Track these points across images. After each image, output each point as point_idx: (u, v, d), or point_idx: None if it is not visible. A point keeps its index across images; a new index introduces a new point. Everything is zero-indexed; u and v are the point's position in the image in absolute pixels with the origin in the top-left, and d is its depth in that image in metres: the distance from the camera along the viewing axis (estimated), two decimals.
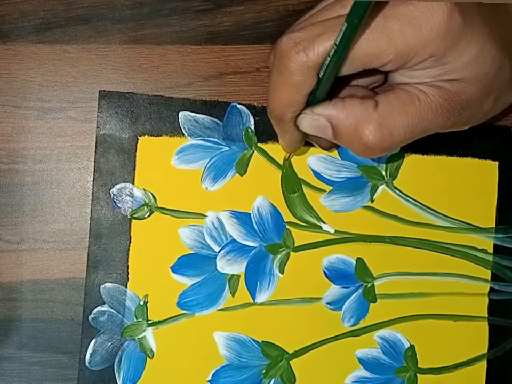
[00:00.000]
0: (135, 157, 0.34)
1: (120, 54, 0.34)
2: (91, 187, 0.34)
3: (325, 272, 0.35)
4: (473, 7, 0.26)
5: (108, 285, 0.33)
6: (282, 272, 0.34)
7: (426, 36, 0.25)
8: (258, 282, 0.34)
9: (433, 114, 0.27)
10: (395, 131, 0.27)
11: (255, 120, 0.34)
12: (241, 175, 0.34)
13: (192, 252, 0.34)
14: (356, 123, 0.27)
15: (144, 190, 0.34)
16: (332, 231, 0.35)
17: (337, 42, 0.24)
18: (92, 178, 0.34)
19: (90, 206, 0.34)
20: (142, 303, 0.33)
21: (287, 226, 0.34)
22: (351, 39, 0.24)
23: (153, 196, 0.34)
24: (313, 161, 0.35)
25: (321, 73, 0.26)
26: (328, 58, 0.25)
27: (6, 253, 0.33)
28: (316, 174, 0.35)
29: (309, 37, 0.26)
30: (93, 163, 0.34)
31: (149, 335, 0.34)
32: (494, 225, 0.36)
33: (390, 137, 0.27)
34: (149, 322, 0.34)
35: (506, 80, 0.28)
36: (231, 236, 0.34)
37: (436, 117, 0.27)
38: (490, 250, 0.35)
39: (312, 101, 0.28)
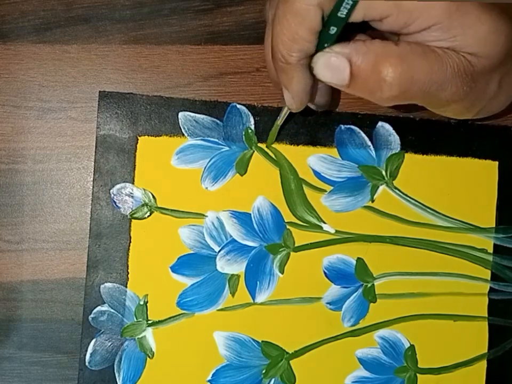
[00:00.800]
0: (135, 157, 0.34)
1: (120, 54, 0.34)
2: (91, 187, 0.34)
3: (325, 272, 0.35)
4: None
5: (108, 284, 0.33)
6: (282, 272, 0.34)
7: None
8: (258, 282, 0.34)
9: (451, 73, 0.26)
10: (415, 72, 0.26)
11: (255, 120, 0.34)
12: (241, 175, 0.34)
13: (192, 252, 0.34)
14: (376, 58, 0.26)
15: (144, 190, 0.34)
16: (332, 231, 0.35)
17: None
18: (91, 178, 0.34)
19: (90, 206, 0.34)
20: (142, 303, 0.34)
21: (288, 226, 0.34)
22: None
23: (153, 196, 0.34)
24: (313, 161, 0.35)
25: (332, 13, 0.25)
26: None
27: (6, 253, 0.33)
28: (316, 174, 0.35)
29: None
30: (93, 163, 0.34)
31: (149, 335, 0.34)
32: (494, 225, 0.36)
33: (409, 76, 0.26)
34: (149, 322, 0.34)
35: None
36: (231, 236, 0.34)
37: (454, 76, 0.27)
38: (490, 250, 0.35)
39: (323, 43, 0.27)
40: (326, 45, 0.27)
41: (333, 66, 0.27)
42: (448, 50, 0.27)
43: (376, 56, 0.26)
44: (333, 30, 0.26)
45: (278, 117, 0.33)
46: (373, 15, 0.26)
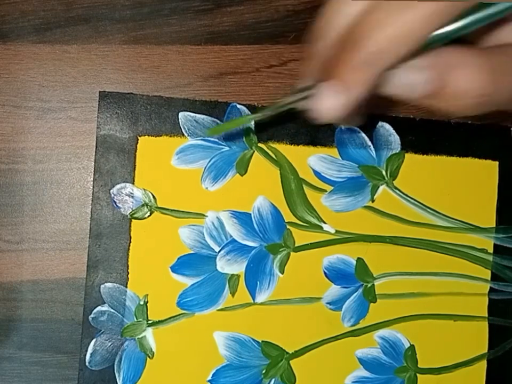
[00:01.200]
0: (135, 157, 0.34)
1: (120, 54, 0.34)
2: (91, 187, 0.34)
3: (325, 272, 0.35)
4: None
5: (108, 284, 0.33)
6: (282, 272, 0.34)
7: None
8: (258, 282, 0.34)
9: None
10: (506, 85, 0.22)
11: (255, 120, 0.34)
12: (242, 175, 0.34)
13: (192, 252, 0.34)
14: (469, 72, 0.21)
15: (144, 190, 0.34)
16: (333, 231, 0.35)
17: None
18: (92, 178, 0.34)
19: (90, 206, 0.34)
20: (142, 303, 0.33)
21: (288, 226, 0.34)
22: None
23: (153, 196, 0.34)
24: (314, 161, 0.35)
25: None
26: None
27: (6, 253, 0.33)
28: (317, 174, 0.35)
29: None
30: (93, 163, 0.34)
31: (149, 335, 0.34)
32: (494, 225, 0.36)
33: (501, 88, 0.22)
34: (149, 322, 0.34)
35: None
36: (231, 236, 0.34)
37: None
38: (491, 250, 0.35)
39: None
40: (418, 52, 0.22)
41: (418, 81, 0.22)
42: None
43: (465, 64, 0.21)
44: (437, 41, 0.22)
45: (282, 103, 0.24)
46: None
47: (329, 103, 0.22)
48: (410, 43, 0.21)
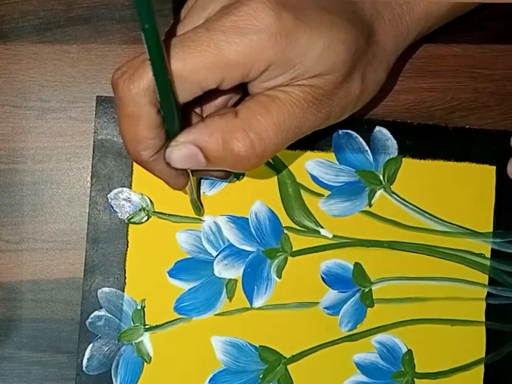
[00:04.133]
0: (132, 162, 0.34)
1: (120, 54, 0.34)
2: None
3: (322, 277, 0.35)
4: (303, 2, 0.25)
5: (105, 289, 0.33)
6: (279, 276, 0.34)
7: (255, 41, 0.24)
8: (255, 287, 0.34)
9: (300, 110, 0.26)
10: (263, 133, 0.26)
11: None
12: (239, 180, 0.34)
13: (190, 257, 0.34)
14: (221, 136, 0.26)
15: (141, 194, 0.34)
16: (330, 235, 0.35)
17: (149, 63, 0.23)
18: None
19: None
20: (139, 307, 0.33)
21: (285, 231, 0.34)
22: (159, 59, 0.23)
23: (150, 201, 0.34)
24: (311, 166, 0.35)
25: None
26: (154, 82, 0.24)
27: (6, 253, 0.33)
28: (314, 178, 0.35)
29: (134, 64, 0.25)
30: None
31: (146, 339, 0.33)
32: (492, 230, 0.35)
33: (260, 140, 0.26)
34: (146, 326, 0.33)
35: (366, 60, 0.28)
36: (228, 241, 0.34)
37: (305, 112, 0.27)
38: (488, 255, 0.35)
39: (170, 134, 0.26)
40: (174, 130, 0.26)
41: (185, 156, 0.26)
42: (291, 87, 0.26)
43: (222, 135, 0.26)
44: (171, 117, 0.25)
45: (190, 193, 0.32)
46: (208, 84, 0.25)
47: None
48: (142, 141, 0.26)
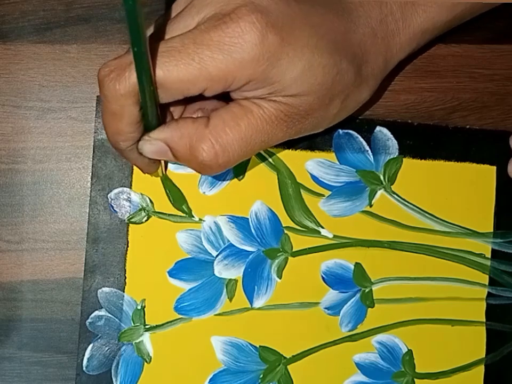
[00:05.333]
0: None
1: (120, 54, 0.34)
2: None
3: (323, 277, 0.35)
4: (294, 20, 0.26)
5: (105, 289, 0.33)
6: (280, 277, 0.34)
7: (239, 60, 0.25)
8: (256, 287, 0.34)
9: (269, 126, 0.27)
10: (229, 146, 0.27)
11: None
12: (239, 180, 0.34)
13: (190, 257, 0.34)
14: (189, 142, 0.27)
15: (141, 194, 0.34)
16: (330, 235, 0.35)
17: (136, 69, 0.24)
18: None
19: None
20: (139, 307, 0.33)
21: (285, 231, 0.34)
22: (143, 64, 0.24)
23: (150, 201, 0.34)
24: (311, 166, 0.35)
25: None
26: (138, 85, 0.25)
27: (6, 253, 0.33)
28: (315, 178, 0.35)
29: (121, 64, 0.26)
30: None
31: (146, 339, 0.33)
32: (492, 230, 0.35)
33: (224, 152, 0.27)
34: (146, 326, 0.33)
35: (349, 82, 0.28)
36: (228, 241, 0.34)
37: (274, 128, 0.28)
38: (488, 255, 0.35)
39: (147, 127, 0.28)
40: (151, 125, 0.28)
41: (156, 151, 0.28)
42: (266, 102, 0.27)
43: (190, 140, 0.27)
44: (149, 116, 0.27)
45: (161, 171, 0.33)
46: (190, 93, 0.26)
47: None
48: (122, 135, 0.27)
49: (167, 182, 0.34)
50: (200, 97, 0.28)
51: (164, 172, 0.33)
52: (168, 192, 0.34)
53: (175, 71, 0.25)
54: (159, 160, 0.32)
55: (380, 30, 0.29)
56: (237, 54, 0.25)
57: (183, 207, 0.34)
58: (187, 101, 0.29)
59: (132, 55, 0.24)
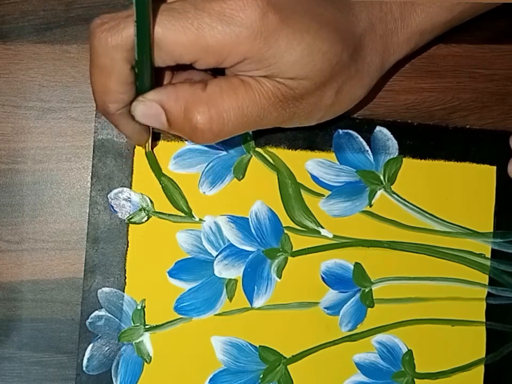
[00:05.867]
0: (132, 162, 0.34)
1: None
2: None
3: (322, 277, 0.35)
4: (296, 5, 0.26)
5: (105, 289, 0.33)
6: (280, 276, 0.34)
7: (236, 34, 0.25)
8: (255, 287, 0.34)
9: (266, 102, 0.27)
10: (224, 113, 0.26)
11: None
12: (239, 180, 0.34)
13: (190, 257, 0.34)
14: (185, 105, 0.26)
15: (141, 194, 0.34)
16: (330, 235, 0.35)
17: (135, 22, 0.24)
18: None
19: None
20: (139, 307, 0.33)
21: (285, 231, 0.34)
22: (144, 15, 0.23)
23: (150, 201, 0.34)
24: (311, 166, 0.35)
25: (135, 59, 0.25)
26: (135, 41, 0.24)
27: (6, 253, 0.33)
28: (314, 178, 0.35)
29: (117, 17, 0.25)
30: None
31: (146, 339, 0.33)
32: (492, 230, 0.36)
33: (219, 119, 0.26)
34: (146, 326, 0.33)
35: (347, 74, 0.28)
36: (228, 241, 0.34)
37: (270, 105, 0.27)
38: (488, 255, 0.35)
39: (141, 90, 0.27)
40: (145, 88, 0.27)
41: (149, 114, 0.27)
42: (264, 78, 0.27)
43: (185, 103, 0.27)
44: (144, 76, 0.26)
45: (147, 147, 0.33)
46: (182, 60, 0.26)
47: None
48: (112, 95, 0.26)
49: (166, 182, 0.34)
50: (189, 68, 0.28)
51: (150, 149, 0.33)
52: (168, 192, 0.34)
53: (173, 31, 0.25)
54: (149, 131, 0.31)
55: (379, 27, 0.29)
56: (235, 28, 0.25)
57: (183, 207, 0.34)
58: (174, 69, 0.29)
59: (129, 10, 0.23)
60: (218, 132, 0.27)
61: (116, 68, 0.25)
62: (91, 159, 0.34)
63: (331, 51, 0.27)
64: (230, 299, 0.34)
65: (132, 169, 0.34)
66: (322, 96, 0.28)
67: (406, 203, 0.35)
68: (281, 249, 0.34)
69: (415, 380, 0.35)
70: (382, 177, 0.35)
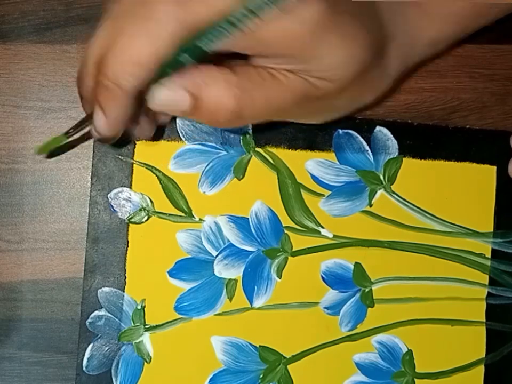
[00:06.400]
0: (132, 162, 0.34)
1: None
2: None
3: (322, 277, 0.35)
4: (345, 11, 0.26)
5: (105, 289, 0.33)
6: (280, 276, 0.34)
7: (296, 29, 0.24)
8: (255, 287, 0.34)
9: (291, 96, 0.27)
10: (248, 93, 0.26)
11: (253, 125, 0.34)
12: (239, 180, 0.34)
13: (190, 256, 0.34)
14: (217, 88, 0.25)
15: (141, 194, 0.34)
16: (330, 235, 0.35)
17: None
18: None
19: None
20: (139, 307, 0.33)
21: (285, 231, 0.34)
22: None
23: (150, 200, 0.34)
24: (311, 166, 0.35)
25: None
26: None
27: (6, 253, 0.33)
28: (314, 178, 0.35)
29: None
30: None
31: (146, 339, 0.33)
32: (492, 230, 0.35)
33: (251, 102, 0.26)
34: (146, 326, 0.33)
35: (368, 80, 0.29)
36: (228, 241, 0.34)
37: (293, 99, 0.27)
38: (488, 255, 0.35)
39: (161, 74, 0.24)
40: (168, 72, 0.24)
41: (173, 98, 0.25)
42: (290, 73, 0.26)
43: (215, 85, 0.25)
44: (186, 58, 0.24)
45: (71, 130, 0.29)
46: (236, 48, 0.25)
47: (97, 125, 0.25)
48: (143, 67, 0.23)
49: (166, 182, 0.34)
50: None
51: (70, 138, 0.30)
52: (168, 192, 0.34)
53: None
54: (153, 125, 0.29)
55: (399, 35, 0.29)
56: (296, 23, 0.24)
57: (183, 207, 0.34)
58: None
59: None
60: (237, 114, 0.26)
61: (166, 38, 0.23)
62: (91, 159, 0.34)
63: (362, 59, 0.27)
64: (230, 299, 0.34)
65: (132, 169, 0.34)
66: (339, 98, 0.28)
67: (406, 203, 0.35)
68: (281, 249, 0.34)
69: (415, 379, 0.35)
70: (382, 177, 0.35)
